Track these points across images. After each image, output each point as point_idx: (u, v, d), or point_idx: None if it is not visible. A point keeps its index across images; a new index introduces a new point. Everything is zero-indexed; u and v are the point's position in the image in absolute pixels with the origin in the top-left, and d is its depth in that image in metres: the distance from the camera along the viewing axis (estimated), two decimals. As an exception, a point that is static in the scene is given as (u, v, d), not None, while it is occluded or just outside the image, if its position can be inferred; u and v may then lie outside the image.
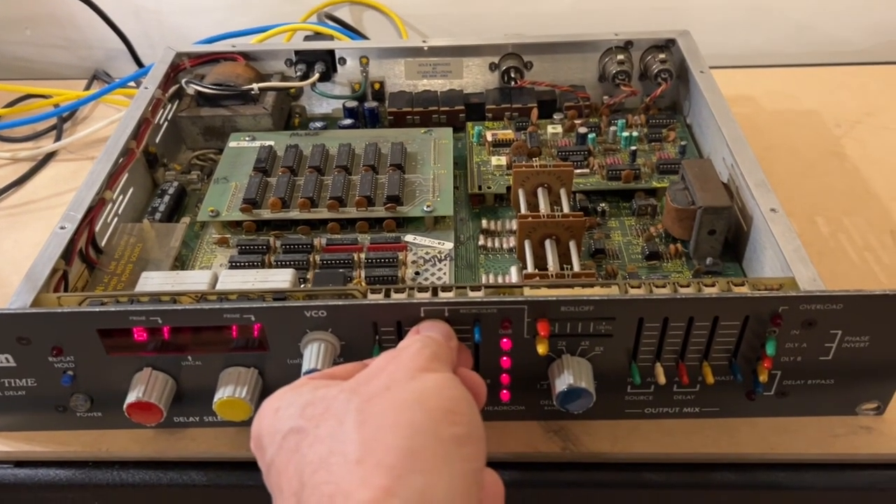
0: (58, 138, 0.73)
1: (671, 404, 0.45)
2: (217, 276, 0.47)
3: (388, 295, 0.42)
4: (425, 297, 0.41)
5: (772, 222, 0.46)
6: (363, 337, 0.42)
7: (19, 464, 0.46)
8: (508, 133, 0.63)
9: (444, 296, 0.41)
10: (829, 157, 0.68)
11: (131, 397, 0.42)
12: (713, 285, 0.41)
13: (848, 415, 0.45)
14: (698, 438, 0.45)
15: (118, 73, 0.87)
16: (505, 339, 0.41)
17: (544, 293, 0.41)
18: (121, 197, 0.55)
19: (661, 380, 0.42)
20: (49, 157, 0.71)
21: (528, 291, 0.41)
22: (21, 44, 0.89)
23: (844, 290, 0.39)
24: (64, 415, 0.45)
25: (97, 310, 0.40)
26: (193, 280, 0.46)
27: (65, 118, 0.75)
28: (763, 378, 0.42)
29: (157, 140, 0.62)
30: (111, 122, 0.71)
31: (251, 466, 0.39)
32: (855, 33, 0.87)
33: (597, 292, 0.41)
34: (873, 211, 0.61)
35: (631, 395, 0.45)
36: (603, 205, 0.57)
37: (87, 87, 0.83)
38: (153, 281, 0.46)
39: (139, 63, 0.86)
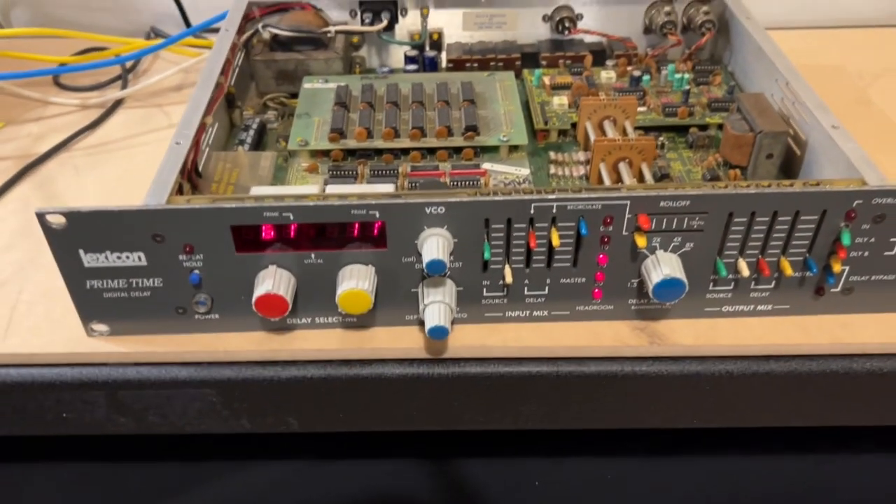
0: (124, 86, 0.75)
1: (747, 302, 0.49)
2: (324, 189, 0.50)
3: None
4: (534, 195, 0.45)
5: (836, 137, 0.50)
6: (475, 234, 0.45)
7: (139, 364, 0.49)
8: (566, 77, 0.67)
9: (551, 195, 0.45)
10: (856, 104, 0.73)
11: (261, 290, 0.45)
12: (792, 185, 0.46)
13: (909, 312, 0.50)
14: (772, 333, 0.49)
15: (168, 35, 0.89)
16: (605, 237, 0.45)
17: (645, 189, 0.45)
18: (212, 128, 0.58)
19: (745, 272, 0.47)
20: (117, 104, 0.73)
21: (625, 190, 0.45)
22: (69, 7, 0.91)
23: (915, 183, 0.44)
24: (182, 318, 0.48)
25: (233, 206, 0.44)
26: (303, 192, 0.49)
27: (128, 68, 0.78)
28: (837, 268, 0.46)
29: (232, 83, 0.65)
30: (178, 70, 0.74)
31: (360, 364, 0.43)
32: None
33: (691, 189, 0.45)
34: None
35: (711, 293, 0.49)
36: (661, 138, 0.61)
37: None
38: (265, 193, 0.49)
39: (188, 25, 0.89)
